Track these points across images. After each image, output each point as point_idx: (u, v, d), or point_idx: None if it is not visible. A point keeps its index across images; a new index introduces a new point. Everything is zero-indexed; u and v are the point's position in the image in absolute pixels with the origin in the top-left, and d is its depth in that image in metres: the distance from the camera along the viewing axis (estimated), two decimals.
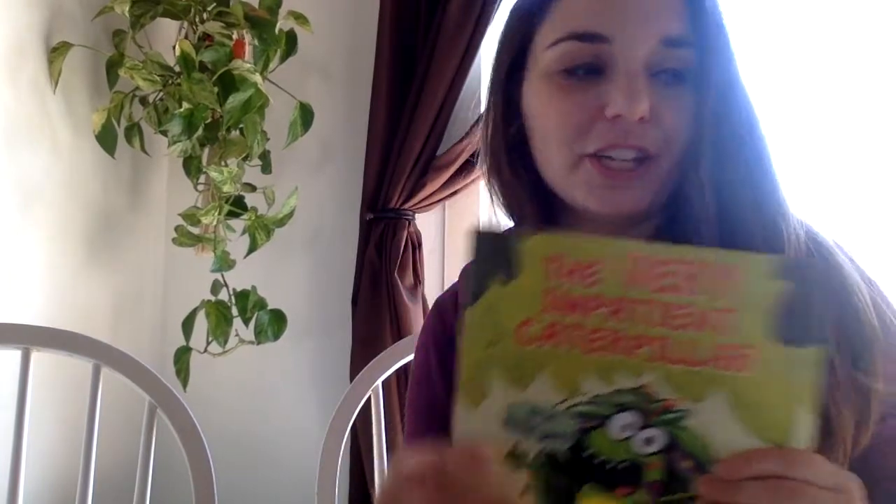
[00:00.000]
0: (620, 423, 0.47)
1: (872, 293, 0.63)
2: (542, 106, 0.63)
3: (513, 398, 0.48)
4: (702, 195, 0.59)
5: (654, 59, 0.59)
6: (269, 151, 1.70)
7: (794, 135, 1.56)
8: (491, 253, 0.48)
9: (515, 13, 0.66)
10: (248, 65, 1.56)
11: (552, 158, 0.63)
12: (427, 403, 0.76)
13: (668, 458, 0.46)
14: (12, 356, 1.10)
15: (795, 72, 1.57)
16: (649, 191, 0.61)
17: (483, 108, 0.71)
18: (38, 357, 1.10)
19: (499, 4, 1.62)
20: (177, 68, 1.57)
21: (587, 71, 0.60)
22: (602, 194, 0.61)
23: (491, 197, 0.72)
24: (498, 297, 0.47)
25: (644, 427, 0.47)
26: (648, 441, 0.47)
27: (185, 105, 1.50)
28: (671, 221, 0.62)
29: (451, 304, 0.77)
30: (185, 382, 1.61)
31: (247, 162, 1.66)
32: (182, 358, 1.61)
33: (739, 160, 0.60)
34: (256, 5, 1.62)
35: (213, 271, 1.62)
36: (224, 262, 1.61)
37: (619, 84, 0.58)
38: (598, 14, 0.59)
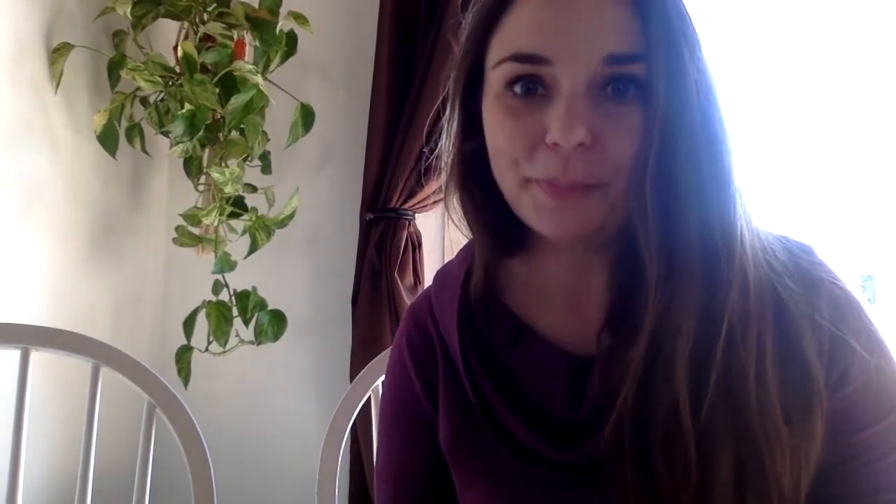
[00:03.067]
0: None
1: (840, 325, 0.60)
2: (490, 125, 0.62)
3: None
4: (645, 224, 0.57)
5: (597, 78, 0.57)
6: (268, 152, 1.70)
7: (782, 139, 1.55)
8: None
9: (469, 27, 0.64)
10: (250, 66, 1.56)
11: (503, 178, 0.62)
12: (404, 411, 0.74)
13: None
14: (12, 356, 1.10)
15: (784, 74, 1.57)
16: (598, 213, 0.59)
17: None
18: (38, 357, 1.10)
19: None
20: (177, 69, 1.58)
21: (529, 90, 0.58)
22: (549, 216, 0.59)
23: (448, 214, 0.70)
24: None
25: None
26: None
27: (188, 106, 1.50)
28: (629, 247, 0.60)
29: (426, 309, 0.74)
30: (186, 381, 1.61)
31: (247, 162, 1.67)
32: (183, 357, 1.62)
33: (693, 181, 0.56)
34: (256, 6, 1.63)
35: (214, 272, 1.62)
36: (225, 264, 1.62)
37: (557, 110, 0.56)
38: (538, 35, 0.57)
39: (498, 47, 0.60)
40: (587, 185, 0.58)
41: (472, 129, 0.65)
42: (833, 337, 0.60)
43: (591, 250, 0.65)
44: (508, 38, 0.60)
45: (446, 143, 0.67)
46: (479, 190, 0.66)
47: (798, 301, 0.60)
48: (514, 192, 0.61)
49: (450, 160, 0.67)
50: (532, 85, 0.58)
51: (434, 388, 0.71)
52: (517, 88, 0.59)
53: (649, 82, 0.56)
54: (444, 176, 0.69)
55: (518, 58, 0.58)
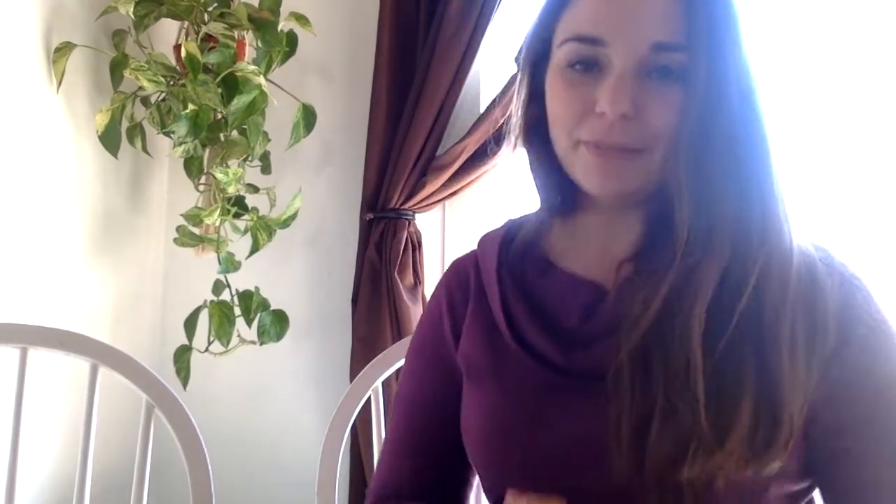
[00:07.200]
0: None
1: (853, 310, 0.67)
2: (552, 94, 0.73)
3: None
4: (679, 189, 0.66)
5: (645, 61, 0.66)
6: (268, 152, 1.70)
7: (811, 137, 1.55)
8: None
9: (539, 14, 0.76)
10: (252, 66, 1.57)
11: (558, 141, 0.73)
12: (427, 344, 0.84)
13: None
14: (11, 355, 1.10)
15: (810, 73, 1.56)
16: (637, 176, 0.69)
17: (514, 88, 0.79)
18: (37, 356, 1.10)
19: (498, 4, 1.62)
20: (179, 69, 1.58)
21: (587, 68, 0.69)
22: (595, 175, 0.70)
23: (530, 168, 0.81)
24: None
25: None
26: None
27: (191, 106, 1.50)
28: (663, 208, 0.68)
29: (471, 262, 0.84)
30: (185, 382, 1.61)
31: (247, 163, 1.67)
32: (182, 357, 1.62)
33: (728, 156, 0.65)
34: (257, 6, 1.63)
35: (219, 272, 1.62)
36: (230, 264, 1.62)
37: (608, 85, 0.67)
38: (598, 20, 0.68)
39: (563, 30, 0.71)
40: (627, 150, 0.67)
41: (536, 97, 0.76)
42: (842, 307, 0.67)
43: (629, 209, 0.73)
44: (573, 22, 0.70)
45: (515, 107, 0.79)
46: (536, 149, 0.77)
47: (825, 281, 0.67)
48: (567, 153, 0.72)
49: (516, 122, 0.79)
50: (590, 64, 0.69)
51: (460, 322, 0.81)
52: (577, 67, 0.69)
53: (688, 68, 0.65)
54: (511, 135, 0.80)
55: (579, 38, 0.69)
